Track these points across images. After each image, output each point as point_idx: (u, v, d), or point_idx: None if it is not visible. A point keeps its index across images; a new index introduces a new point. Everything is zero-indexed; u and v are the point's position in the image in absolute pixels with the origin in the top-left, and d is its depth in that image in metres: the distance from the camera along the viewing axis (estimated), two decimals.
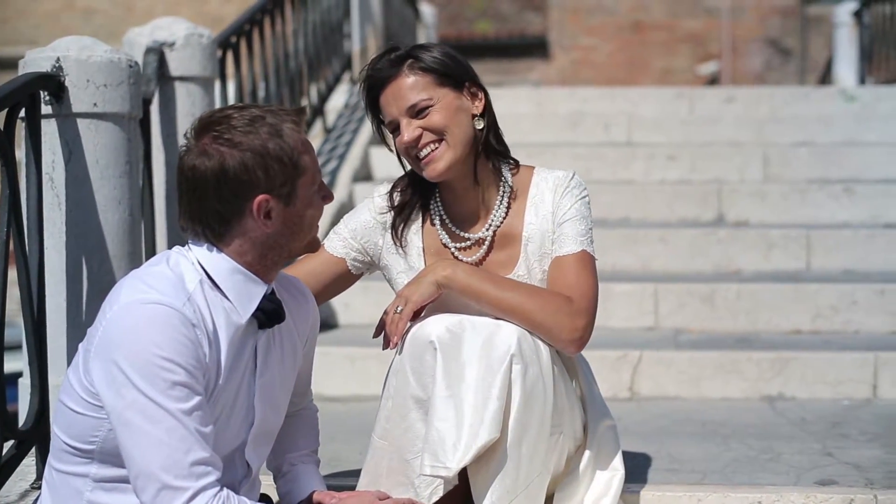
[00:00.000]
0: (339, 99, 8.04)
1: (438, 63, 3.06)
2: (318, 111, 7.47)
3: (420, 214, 3.19)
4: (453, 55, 3.11)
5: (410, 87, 3.04)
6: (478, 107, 3.10)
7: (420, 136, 3.04)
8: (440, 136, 3.04)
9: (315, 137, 7.37)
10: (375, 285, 4.61)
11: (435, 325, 2.92)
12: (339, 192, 6.54)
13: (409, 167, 3.16)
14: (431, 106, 3.03)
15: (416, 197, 3.17)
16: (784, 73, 19.25)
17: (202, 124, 2.64)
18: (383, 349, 3.01)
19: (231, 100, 5.53)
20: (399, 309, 2.97)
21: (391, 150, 3.18)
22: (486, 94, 3.13)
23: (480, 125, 3.09)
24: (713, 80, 19.12)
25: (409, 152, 3.07)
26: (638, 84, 17.72)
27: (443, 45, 3.17)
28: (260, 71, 6.16)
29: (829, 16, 13.86)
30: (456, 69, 3.08)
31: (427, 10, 12.39)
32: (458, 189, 3.13)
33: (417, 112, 3.04)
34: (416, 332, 2.94)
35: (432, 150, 3.04)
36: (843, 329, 5.39)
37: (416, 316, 2.99)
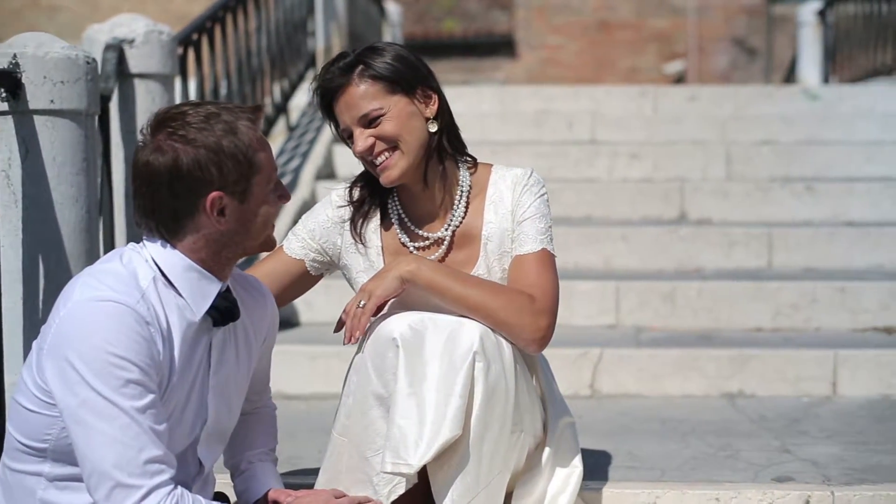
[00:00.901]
0: (302, 97, 8.02)
1: (389, 69, 3.03)
2: (282, 109, 7.45)
3: (378, 213, 3.18)
4: (405, 57, 3.07)
5: (361, 96, 3.02)
6: (431, 110, 3.08)
7: (373, 146, 3.03)
8: (393, 144, 3.03)
9: (278, 135, 7.35)
10: (337, 284, 4.59)
11: (397, 323, 2.91)
12: (302, 190, 6.53)
13: None
14: (383, 115, 3.01)
15: (374, 195, 3.17)
16: (750, 72, 19.31)
17: (157, 120, 2.64)
18: (344, 344, 3.00)
19: (192, 97, 5.51)
20: (362, 303, 2.96)
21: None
22: (441, 96, 3.11)
23: (434, 128, 3.07)
24: (679, 79, 19.15)
25: (365, 157, 3.06)
26: (605, 83, 17.73)
27: (394, 46, 3.12)
28: (222, 69, 6.13)
29: (794, 15, 13.91)
30: (407, 73, 3.05)
31: (393, 9, 12.36)
32: (414, 189, 3.12)
33: (369, 121, 3.02)
34: (379, 329, 2.94)
35: (386, 158, 3.03)
36: (804, 327, 5.41)
37: (379, 311, 2.99)
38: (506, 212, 3.11)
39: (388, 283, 2.98)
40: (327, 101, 3.07)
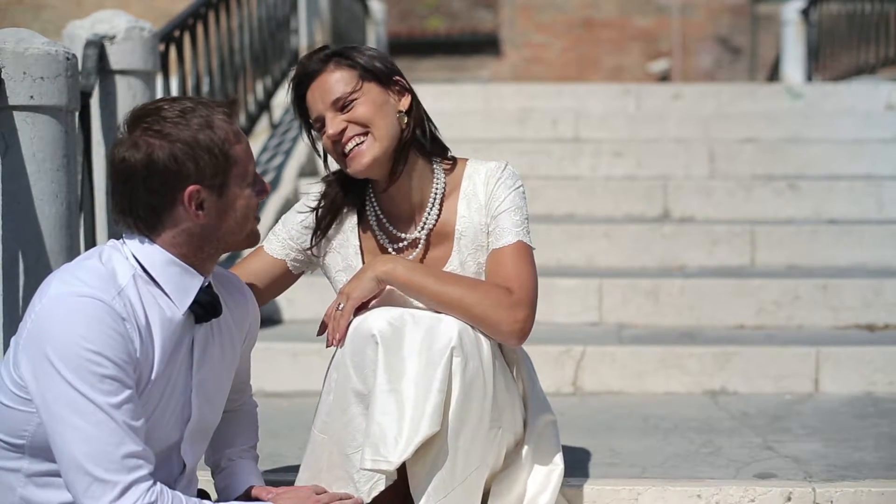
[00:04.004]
0: (285, 95, 7.99)
1: (364, 59, 3.07)
2: (265, 107, 7.43)
3: (355, 213, 3.18)
4: (382, 54, 3.12)
5: (336, 80, 3.04)
6: (404, 104, 3.09)
7: (345, 130, 3.02)
8: (365, 128, 3.02)
9: (261, 133, 7.34)
10: (320, 281, 4.58)
11: (376, 319, 2.91)
12: (285, 188, 6.52)
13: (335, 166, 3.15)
14: (356, 99, 3.03)
15: (350, 195, 3.16)
16: (734, 70, 19.35)
17: (134, 116, 2.64)
18: (327, 346, 3.00)
19: (174, 94, 5.49)
20: (340, 306, 2.97)
21: (319, 155, 3.17)
22: (413, 93, 3.13)
23: (406, 121, 3.08)
24: (664, 78, 19.18)
25: (336, 148, 3.05)
26: (589, 81, 17.75)
27: (372, 48, 3.18)
28: (204, 66, 6.11)
29: (778, 14, 13.93)
30: (382, 66, 3.08)
31: (377, 7, 12.32)
32: (389, 189, 3.11)
33: (343, 106, 3.02)
34: (358, 326, 2.93)
35: (358, 144, 3.03)
36: (786, 324, 5.41)
37: (361, 311, 2.98)
38: (479, 206, 3.11)
39: (365, 284, 2.98)
40: (302, 90, 3.08)
